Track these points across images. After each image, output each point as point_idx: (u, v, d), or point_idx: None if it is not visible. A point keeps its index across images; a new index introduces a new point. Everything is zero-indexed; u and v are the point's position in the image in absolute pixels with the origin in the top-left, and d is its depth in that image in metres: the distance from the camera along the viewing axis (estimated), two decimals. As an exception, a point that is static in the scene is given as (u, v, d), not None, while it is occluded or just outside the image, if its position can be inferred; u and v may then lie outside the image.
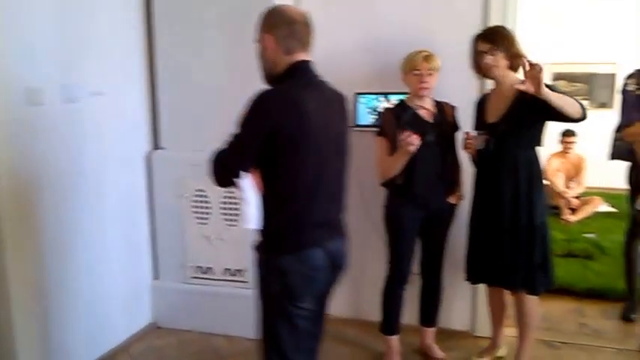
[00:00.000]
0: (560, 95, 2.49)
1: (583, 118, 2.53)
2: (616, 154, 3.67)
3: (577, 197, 6.10)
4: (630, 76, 3.53)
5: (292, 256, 1.89)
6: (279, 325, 1.94)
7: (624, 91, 3.54)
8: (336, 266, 2.02)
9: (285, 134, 1.78)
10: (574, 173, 6.23)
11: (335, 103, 2.03)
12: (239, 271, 3.34)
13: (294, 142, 1.80)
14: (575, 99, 2.54)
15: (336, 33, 3.32)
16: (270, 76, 1.96)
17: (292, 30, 1.89)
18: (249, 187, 1.87)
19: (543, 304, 3.38)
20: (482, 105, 2.87)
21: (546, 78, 7.29)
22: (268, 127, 1.77)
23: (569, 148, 6.12)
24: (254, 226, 1.92)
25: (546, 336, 3.39)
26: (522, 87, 2.42)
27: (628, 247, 3.71)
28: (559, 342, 3.37)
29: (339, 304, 3.64)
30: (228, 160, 1.86)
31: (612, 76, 6.72)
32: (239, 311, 3.26)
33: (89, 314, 3.04)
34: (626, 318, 3.67)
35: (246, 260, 3.23)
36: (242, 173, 1.85)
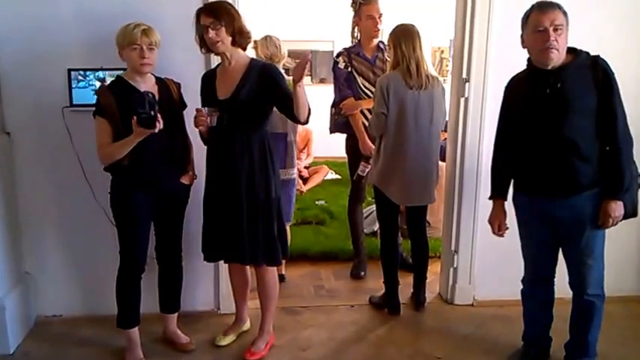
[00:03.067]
0: (305, 98, 2.63)
1: (306, 122, 2.77)
2: (335, 127, 3.95)
3: (307, 167, 6.51)
4: (339, 54, 3.79)
5: None
6: None
7: (336, 69, 3.79)
8: None
9: None
10: (303, 145, 6.63)
11: None
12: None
13: None
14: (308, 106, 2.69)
15: (47, 1, 2.98)
16: None
17: None
18: None
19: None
20: (210, 81, 2.81)
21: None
22: None
23: (298, 122, 6.47)
24: None
25: (287, 303, 3.52)
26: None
27: (351, 210, 4.06)
28: (299, 307, 3.53)
29: (70, 302, 3.32)
30: None
31: (331, 53, 7.24)
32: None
33: None
34: (355, 275, 4.01)
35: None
36: None
